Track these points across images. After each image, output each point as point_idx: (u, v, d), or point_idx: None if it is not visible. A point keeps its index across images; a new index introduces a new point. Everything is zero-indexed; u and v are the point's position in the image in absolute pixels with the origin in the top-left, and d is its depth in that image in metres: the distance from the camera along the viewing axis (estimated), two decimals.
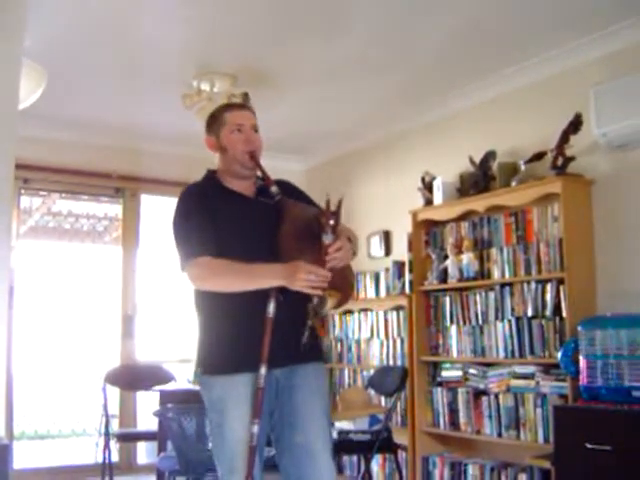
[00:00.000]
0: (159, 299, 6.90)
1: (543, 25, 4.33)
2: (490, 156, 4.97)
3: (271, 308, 2.61)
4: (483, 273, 4.90)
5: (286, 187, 2.90)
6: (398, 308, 5.67)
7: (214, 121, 2.94)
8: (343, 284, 2.71)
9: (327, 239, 2.58)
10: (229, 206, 2.78)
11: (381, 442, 4.68)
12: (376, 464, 5.64)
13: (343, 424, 5.05)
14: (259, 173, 2.87)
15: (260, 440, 2.65)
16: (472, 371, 4.94)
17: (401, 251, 5.80)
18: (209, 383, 2.75)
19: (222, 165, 2.90)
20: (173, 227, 2.78)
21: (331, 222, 2.59)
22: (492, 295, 4.80)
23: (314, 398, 2.75)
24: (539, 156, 4.60)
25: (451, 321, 5.10)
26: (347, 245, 2.66)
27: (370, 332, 5.96)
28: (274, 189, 2.79)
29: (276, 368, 2.66)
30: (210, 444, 2.82)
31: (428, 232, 5.40)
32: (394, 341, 5.73)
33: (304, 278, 2.52)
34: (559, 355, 4.14)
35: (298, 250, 2.62)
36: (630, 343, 3.77)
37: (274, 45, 4.64)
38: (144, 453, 6.45)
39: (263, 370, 2.60)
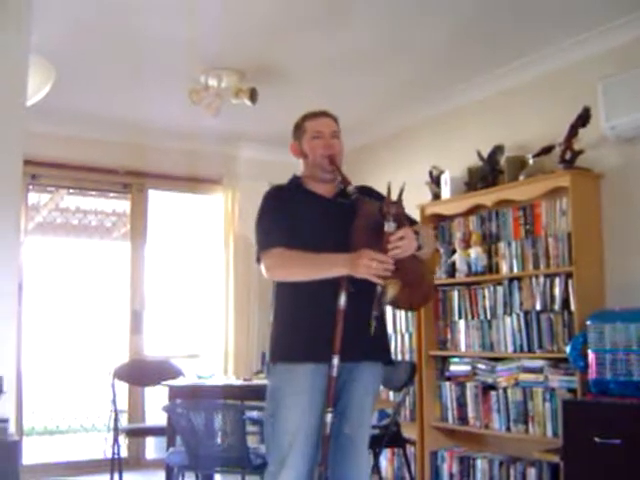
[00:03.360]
0: (167, 294, 6.91)
1: (551, 17, 4.31)
2: (498, 150, 4.96)
3: (342, 300, 2.70)
4: (491, 267, 4.89)
5: (365, 191, 3.02)
6: None
7: (297, 129, 3.08)
8: (416, 280, 2.81)
9: (389, 227, 2.67)
10: (306, 205, 2.94)
11: (390, 436, 4.67)
12: (385, 458, 5.64)
13: None
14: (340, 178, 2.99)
15: (317, 430, 2.75)
16: (480, 366, 4.93)
17: None
18: (272, 370, 2.88)
19: (305, 170, 3.06)
20: (255, 225, 2.97)
21: (392, 210, 2.67)
22: (500, 289, 4.79)
23: (368, 398, 2.91)
24: (547, 150, 4.58)
25: (459, 316, 5.09)
26: (410, 235, 2.72)
27: None
28: (351, 188, 2.90)
29: (340, 362, 2.73)
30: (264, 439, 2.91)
31: (436, 226, 5.38)
32: (402, 336, 5.71)
33: (366, 264, 2.61)
34: (568, 349, 4.13)
35: (367, 243, 2.70)
36: (639, 337, 3.76)
37: (281, 40, 4.64)
38: (153, 448, 6.47)
39: (336, 360, 2.70)
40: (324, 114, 3.07)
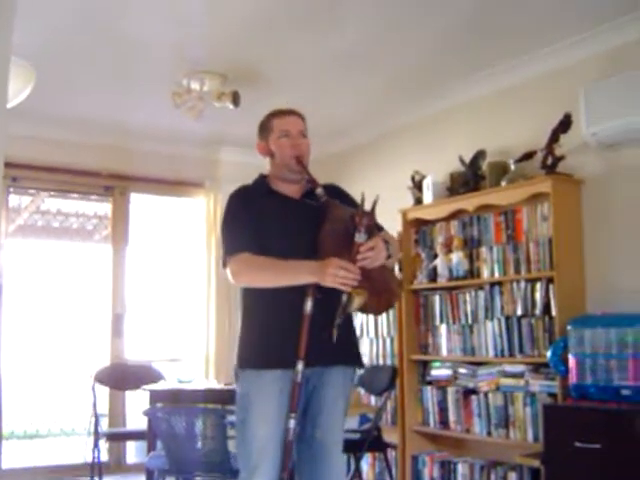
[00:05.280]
0: (149, 298, 6.88)
1: (533, 23, 4.33)
2: (480, 155, 4.97)
3: (308, 306, 2.67)
4: (473, 272, 4.90)
5: (333, 190, 2.99)
6: None
7: (264, 128, 3.02)
8: (383, 288, 2.78)
9: (359, 238, 2.65)
10: (273, 206, 2.89)
11: (371, 441, 4.68)
12: (366, 463, 5.64)
13: None
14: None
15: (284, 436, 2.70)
16: (462, 370, 4.94)
17: None
18: (240, 377, 2.84)
19: (272, 170, 3.00)
20: (220, 227, 2.95)
21: (364, 222, 2.65)
22: (482, 294, 4.80)
23: (339, 401, 2.87)
24: (529, 155, 4.60)
25: (441, 320, 5.10)
26: (380, 245, 2.71)
27: (360, 331, 5.93)
28: (319, 191, 2.87)
29: (308, 367, 2.70)
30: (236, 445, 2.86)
31: (418, 231, 5.39)
32: (384, 340, 5.72)
33: (333, 273, 2.58)
34: (548, 354, 4.15)
35: (336, 250, 2.68)
36: (619, 342, 3.78)
37: (263, 44, 4.63)
38: (133, 452, 6.44)
39: (300, 366, 2.67)
40: (291, 112, 3.00)
